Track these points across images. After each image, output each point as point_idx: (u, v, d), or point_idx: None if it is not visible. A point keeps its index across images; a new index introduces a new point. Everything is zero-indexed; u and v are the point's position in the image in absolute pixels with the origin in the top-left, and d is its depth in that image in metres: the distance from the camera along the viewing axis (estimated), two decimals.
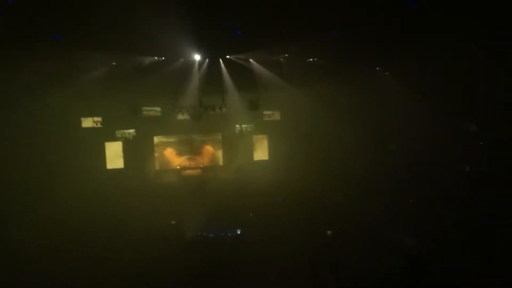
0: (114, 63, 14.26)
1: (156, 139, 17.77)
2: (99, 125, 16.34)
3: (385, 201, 14.59)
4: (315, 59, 15.05)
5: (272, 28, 12.06)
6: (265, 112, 17.82)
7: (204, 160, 18.26)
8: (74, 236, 12.95)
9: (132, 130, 16.76)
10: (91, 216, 13.87)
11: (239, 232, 14.29)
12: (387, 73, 16.52)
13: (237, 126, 17.86)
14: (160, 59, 14.37)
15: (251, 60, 14.91)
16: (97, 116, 16.25)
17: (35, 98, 13.10)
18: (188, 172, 18.03)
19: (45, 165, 14.63)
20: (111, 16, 10.29)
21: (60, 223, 13.21)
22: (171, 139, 18.01)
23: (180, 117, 16.96)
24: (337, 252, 11.51)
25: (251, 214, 15.44)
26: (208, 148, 18.33)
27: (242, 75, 14.92)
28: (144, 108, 16.60)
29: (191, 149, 18.20)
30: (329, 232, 14.19)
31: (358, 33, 12.20)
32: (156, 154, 17.81)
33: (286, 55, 14.89)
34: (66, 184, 14.18)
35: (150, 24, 10.89)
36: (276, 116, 18.14)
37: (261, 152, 18.69)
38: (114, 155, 17.03)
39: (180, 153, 18.07)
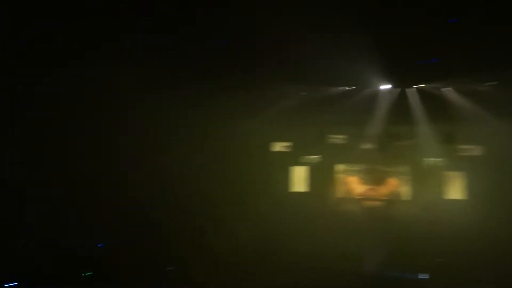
0: (304, 93, 15.10)
1: (339, 167, 17.87)
2: (286, 150, 17.41)
3: None
4: None
5: (474, 55, 10.89)
6: (461, 147, 15.94)
7: (387, 192, 17.38)
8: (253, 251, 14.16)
9: (316, 157, 17.38)
10: (271, 236, 14.86)
11: (425, 277, 13.05)
12: None
13: (427, 159, 16.52)
14: (350, 88, 14.55)
15: (445, 88, 13.67)
16: (285, 142, 17.33)
17: (231, 125, 14.87)
18: (370, 203, 17.46)
19: (240, 183, 16.27)
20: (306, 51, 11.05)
21: (245, 236, 14.63)
22: (355, 168, 17.76)
23: (365, 146, 16.76)
24: None
25: (440, 259, 13.90)
26: (393, 181, 17.38)
27: (436, 105, 13.80)
28: (329, 136, 16.97)
29: (375, 179, 17.58)
30: None
31: None
32: (338, 182, 17.89)
33: (495, 82, 13.13)
34: (253, 203, 15.53)
35: (341, 55, 11.22)
36: (475, 151, 16.00)
37: (454, 190, 16.70)
38: (298, 180, 17.83)
39: (362, 183, 17.68)
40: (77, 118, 13.16)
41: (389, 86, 14.03)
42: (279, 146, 17.54)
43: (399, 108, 14.39)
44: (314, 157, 17.41)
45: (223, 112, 14.00)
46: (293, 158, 17.50)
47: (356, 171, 17.76)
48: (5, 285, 10.27)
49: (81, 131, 13.48)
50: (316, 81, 13.46)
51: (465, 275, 12.46)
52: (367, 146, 16.69)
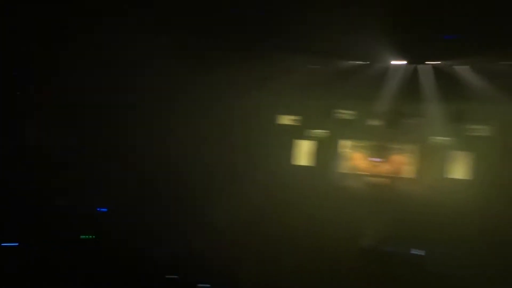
0: (316, 66, 14.91)
1: (346, 142, 17.82)
2: (293, 124, 17.38)
3: None
4: None
5: (490, 31, 10.61)
6: (470, 126, 15.76)
7: (393, 170, 17.37)
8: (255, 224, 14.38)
9: (323, 131, 17.35)
10: (273, 208, 15.04)
11: (423, 253, 13.23)
12: None
13: (435, 138, 16.41)
14: (360, 63, 14.34)
15: (458, 66, 13.39)
16: (292, 115, 17.30)
17: (239, 96, 14.80)
18: (375, 179, 17.49)
19: (240, 156, 16.30)
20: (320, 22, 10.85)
21: (250, 209, 14.81)
22: (361, 144, 17.73)
23: (374, 122, 16.68)
24: None
25: (439, 236, 14.02)
26: (399, 158, 17.33)
27: (446, 83, 13.55)
28: (338, 110, 16.88)
29: (381, 156, 17.55)
30: None
31: None
32: (344, 157, 17.88)
33: (507, 62, 12.83)
34: (257, 175, 15.62)
35: (354, 28, 11.01)
36: (485, 131, 15.81)
37: (461, 170, 16.62)
38: (304, 154, 17.85)
39: (368, 159, 17.67)
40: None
41: (400, 62, 13.78)
42: (286, 119, 17.53)
43: (410, 85, 14.18)
44: (320, 132, 17.42)
45: (231, 82, 13.91)
46: (300, 132, 17.55)
47: (362, 147, 17.77)
48: (4, 244, 10.45)
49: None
50: (327, 54, 13.26)
51: (464, 253, 12.58)
52: (375, 122, 16.62)
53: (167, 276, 8.70)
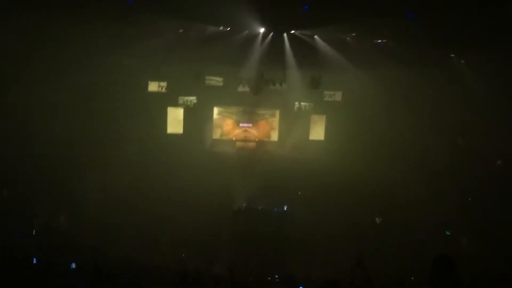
0: (181, 30, 14.53)
1: (215, 109, 18.10)
2: (163, 90, 16.93)
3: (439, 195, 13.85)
4: (384, 40, 14.28)
5: (340, 4, 11.58)
6: (326, 92, 17.43)
7: (260, 134, 18.36)
8: (131, 192, 13.94)
9: (193, 98, 17.30)
10: (148, 176, 14.70)
11: (285, 209, 14.40)
12: (462, 61, 15.31)
13: (296, 103, 17.74)
14: (225, 29, 14.40)
15: (316, 37, 14.46)
16: (162, 81, 16.80)
17: (104, 60, 13.77)
18: (243, 144, 18.27)
19: (110, 124, 15.45)
20: None
21: (120, 180, 14.22)
22: (230, 110, 18.27)
23: (241, 89, 17.20)
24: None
25: (299, 193, 15.43)
26: (265, 123, 18.39)
27: (306, 52, 14.51)
28: (207, 77, 16.93)
29: (248, 121, 18.35)
30: (378, 220, 13.89)
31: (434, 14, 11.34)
32: (214, 123, 18.18)
33: (354, 34, 14.26)
34: (129, 143, 14.99)
35: None
36: (337, 97, 17.64)
37: (318, 132, 18.39)
38: (174, 121, 17.62)
39: (237, 125, 18.30)
40: None
41: (264, 30, 14.25)
42: (154, 86, 16.95)
43: (273, 53, 14.81)
44: (191, 98, 17.33)
45: (93, 45, 12.74)
46: (169, 99, 17.22)
47: (231, 113, 18.33)
48: None
49: None
50: (194, 18, 12.98)
51: (324, 206, 14.08)
52: (242, 89, 17.16)
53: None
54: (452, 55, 15.26)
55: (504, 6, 10.27)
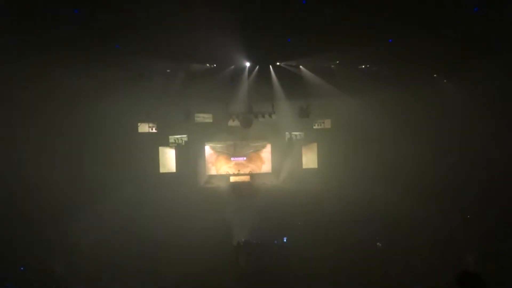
0: (168, 71, 14.78)
1: (207, 145, 18.13)
2: (154, 130, 16.97)
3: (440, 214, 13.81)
4: (367, 66, 14.67)
5: (323, 36, 11.93)
6: (316, 120, 17.63)
7: (253, 167, 18.35)
8: (127, 234, 13.63)
9: (184, 136, 17.35)
10: (143, 216, 14.46)
11: (285, 240, 14.16)
12: (445, 80, 15.73)
13: (287, 133, 17.88)
14: (212, 66, 14.68)
15: (301, 67, 14.81)
16: (152, 122, 16.88)
17: (94, 103, 13.85)
18: (237, 178, 18.20)
19: (103, 165, 15.31)
20: (167, 26, 10.71)
21: (116, 221, 13.93)
22: (222, 145, 18.32)
23: (231, 123, 17.33)
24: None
25: (299, 223, 15.24)
26: (257, 155, 18.42)
27: (293, 82, 14.86)
28: (196, 114, 17.06)
29: (241, 155, 18.38)
30: (379, 244, 13.68)
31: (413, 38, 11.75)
32: (206, 160, 18.15)
33: (337, 62, 14.65)
34: (122, 185, 14.83)
35: (202, 32, 11.18)
36: (327, 124, 17.84)
37: (310, 160, 18.45)
38: (167, 160, 17.56)
39: (229, 159, 18.30)
40: None
41: (249, 64, 14.53)
42: (144, 127, 16.98)
43: (261, 85, 15.07)
44: (181, 137, 17.39)
45: (86, 89, 12.82)
46: (160, 139, 17.23)
47: (223, 148, 18.36)
48: None
49: None
50: (180, 57, 13.23)
51: (321, 233, 13.87)
52: (232, 123, 17.28)
53: None
54: (435, 75, 15.71)
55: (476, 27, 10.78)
